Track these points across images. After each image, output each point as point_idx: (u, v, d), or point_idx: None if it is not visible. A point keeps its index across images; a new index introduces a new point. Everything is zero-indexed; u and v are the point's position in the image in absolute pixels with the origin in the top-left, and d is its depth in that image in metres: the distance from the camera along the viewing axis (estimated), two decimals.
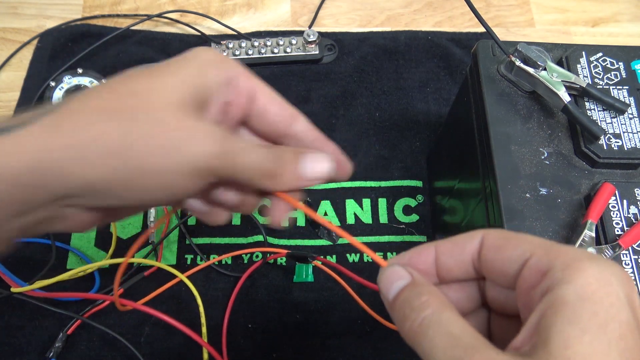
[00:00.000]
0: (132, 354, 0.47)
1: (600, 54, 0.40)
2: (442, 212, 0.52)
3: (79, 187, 0.21)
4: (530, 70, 0.38)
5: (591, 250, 0.33)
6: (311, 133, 0.28)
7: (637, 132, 0.37)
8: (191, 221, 0.54)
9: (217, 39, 0.62)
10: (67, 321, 0.47)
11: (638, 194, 0.35)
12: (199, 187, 0.23)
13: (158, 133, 0.22)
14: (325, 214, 0.55)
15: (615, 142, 0.37)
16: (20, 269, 0.47)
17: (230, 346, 0.47)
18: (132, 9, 0.66)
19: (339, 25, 0.67)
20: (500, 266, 0.22)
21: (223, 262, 0.52)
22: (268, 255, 0.51)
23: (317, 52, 0.62)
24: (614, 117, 0.38)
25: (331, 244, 0.53)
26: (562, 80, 0.37)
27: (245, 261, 0.52)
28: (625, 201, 0.35)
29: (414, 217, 0.55)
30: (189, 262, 0.52)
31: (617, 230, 0.34)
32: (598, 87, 0.38)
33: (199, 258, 0.52)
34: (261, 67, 0.62)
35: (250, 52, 0.61)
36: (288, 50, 0.62)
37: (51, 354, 0.46)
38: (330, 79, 0.62)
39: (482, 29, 0.45)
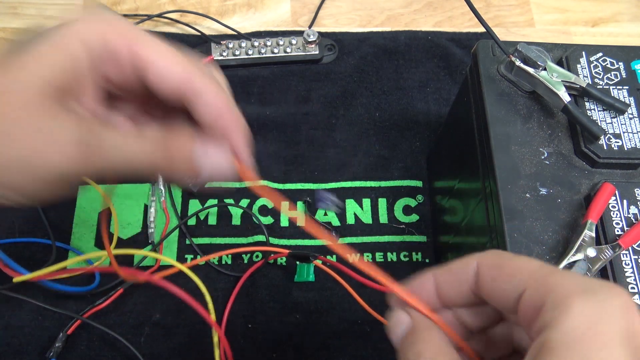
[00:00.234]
0: (132, 354, 0.47)
1: (600, 54, 0.40)
2: (442, 212, 0.52)
3: None
4: (530, 70, 0.38)
5: (591, 250, 0.33)
6: (210, 95, 0.24)
7: (637, 132, 0.37)
8: (191, 221, 0.54)
9: (217, 39, 0.62)
10: (67, 321, 0.47)
11: (638, 194, 0.35)
12: (73, 188, 0.23)
13: (10, 145, 0.20)
14: (325, 214, 0.55)
15: (615, 142, 0.37)
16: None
17: (230, 346, 0.47)
18: (132, 9, 0.66)
19: (339, 25, 0.67)
20: (499, 298, 0.21)
21: (223, 262, 0.52)
22: (269, 255, 0.51)
23: (317, 52, 0.62)
24: (614, 117, 0.38)
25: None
26: (562, 80, 0.37)
27: (246, 261, 0.52)
28: (625, 201, 0.35)
29: (414, 217, 0.55)
30: (189, 262, 0.52)
31: (617, 230, 0.34)
32: (598, 87, 0.38)
33: (199, 258, 0.52)
34: (261, 67, 0.62)
35: (250, 52, 0.61)
36: (288, 50, 0.62)
37: (51, 354, 0.46)
38: (330, 79, 0.62)
39: (482, 29, 0.45)
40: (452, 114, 0.50)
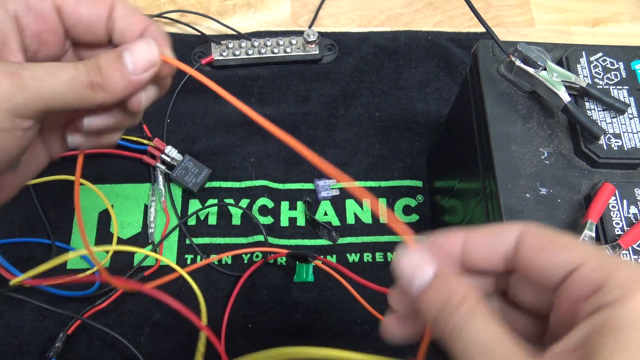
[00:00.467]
0: (132, 354, 0.47)
1: (600, 54, 0.40)
2: (442, 212, 0.52)
3: None
4: (530, 70, 0.38)
5: None
6: (133, 17, 0.27)
7: (637, 132, 0.37)
8: (191, 221, 0.54)
9: (217, 39, 0.62)
10: (67, 321, 0.47)
11: (638, 194, 0.35)
12: (19, 130, 0.23)
13: None
14: (325, 214, 0.55)
15: (615, 142, 0.37)
16: (19, 270, 0.47)
17: (230, 346, 0.47)
18: None
19: (339, 25, 0.67)
20: (542, 268, 0.20)
21: (223, 262, 0.52)
22: (268, 255, 0.51)
23: (317, 52, 0.62)
24: (614, 117, 0.38)
25: (331, 243, 0.53)
26: (562, 80, 0.37)
27: (245, 261, 0.52)
28: (625, 201, 0.35)
29: (414, 217, 0.55)
30: (189, 262, 0.52)
31: (617, 230, 0.34)
32: (598, 87, 0.39)
33: (199, 258, 0.52)
34: (261, 67, 0.62)
35: (250, 52, 0.61)
36: (288, 50, 0.62)
37: (51, 354, 0.46)
38: (330, 79, 0.62)
39: (482, 29, 0.45)
40: (452, 114, 0.50)
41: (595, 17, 0.69)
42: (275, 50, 0.62)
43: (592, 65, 0.40)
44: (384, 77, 0.62)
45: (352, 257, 0.53)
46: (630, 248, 0.33)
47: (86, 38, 0.27)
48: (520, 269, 0.21)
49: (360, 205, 0.55)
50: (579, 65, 0.39)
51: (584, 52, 0.40)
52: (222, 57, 0.61)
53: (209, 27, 0.65)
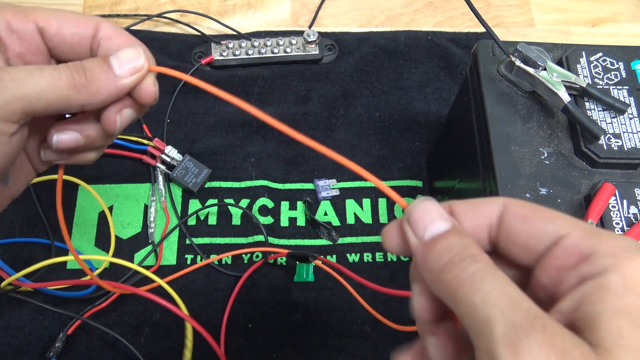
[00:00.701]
0: (132, 354, 0.47)
1: (600, 54, 0.40)
2: None
3: None
4: (530, 70, 0.38)
5: None
6: (120, 38, 0.26)
7: (637, 132, 0.37)
8: (191, 221, 0.54)
9: (217, 39, 0.62)
10: (67, 321, 0.47)
11: (638, 194, 0.35)
12: (4, 135, 0.23)
13: None
14: (325, 214, 0.55)
15: (615, 142, 0.37)
16: (19, 270, 0.47)
17: (230, 346, 0.47)
18: (132, 9, 0.66)
19: (339, 25, 0.67)
20: (526, 238, 0.20)
21: (223, 262, 0.52)
22: (268, 255, 0.51)
23: (317, 52, 0.62)
24: (614, 117, 0.38)
25: (331, 243, 0.53)
26: (562, 80, 0.37)
27: (245, 261, 0.52)
28: (625, 201, 0.35)
29: None
30: (189, 262, 0.52)
31: (617, 230, 0.34)
32: (598, 87, 0.39)
33: (199, 258, 0.52)
34: (261, 67, 0.62)
35: (250, 52, 0.61)
36: (288, 50, 0.62)
37: (51, 354, 0.46)
38: (330, 79, 0.62)
39: (482, 29, 0.45)
40: (452, 114, 0.50)
41: (595, 17, 0.69)
42: (275, 50, 0.62)
43: (592, 65, 0.40)
44: (384, 77, 0.62)
45: (352, 257, 0.53)
46: None
47: (71, 58, 0.27)
48: (503, 240, 0.21)
49: (361, 206, 0.55)
50: (579, 65, 0.39)
51: (584, 52, 0.40)
52: (222, 57, 0.61)
53: (209, 27, 0.65)
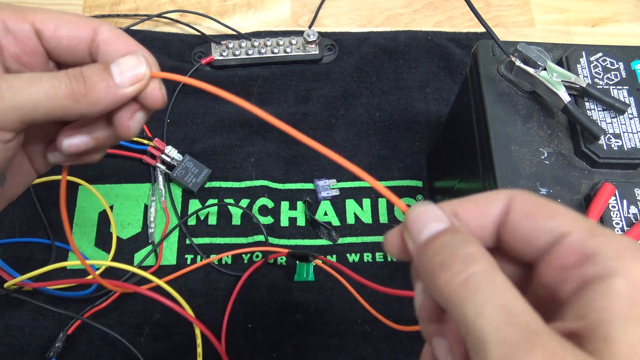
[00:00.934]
0: (132, 354, 0.47)
1: (600, 54, 0.40)
2: None
3: None
4: (530, 70, 0.38)
5: None
6: (120, 43, 0.26)
7: (637, 132, 0.37)
8: (191, 221, 0.54)
9: (217, 39, 0.62)
10: (67, 321, 0.47)
11: (638, 194, 0.35)
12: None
13: None
14: (325, 214, 0.55)
15: (615, 142, 0.37)
16: (19, 270, 0.47)
17: (230, 346, 0.47)
18: (132, 9, 0.66)
19: (339, 25, 0.67)
20: (528, 234, 0.19)
21: (223, 262, 0.52)
22: (269, 255, 0.51)
23: (317, 52, 0.62)
24: (614, 117, 0.38)
25: (331, 243, 0.53)
26: (562, 80, 0.37)
27: (245, 261, 0.52)
28: (625, 201, 0.35)
29: None
30: (189, 262, 0.52)
31: (617, 230, 0.34)
32: (598, 87, 0.39)
33: (199, 258, 0.52)
34: (261, 67, 0.62)
35: (250, 52, 0.61)
36: (288, 50, 0.62)
37: (51, 354, 0.46)
38: (330, 79, 0.62)
39: (482, 29, 0.45)
40: (452, 114, 0.50)
41: (595, 17, 0.69)
42: (275, 50, 0.62)
43: (592, 65, 0.40)
44: (384, 77, 0.62)
45: (352, 257, 0.53)
46: None
47: (69, 60, 0.26)
48: (507, 235, 0.20)
49: (361, 206, 0.55)
50: (579, 65, 0.39)
51: (584, 52, 0.40)
52: (222, 57, 0.61)
53: (209, 27, 0.65)
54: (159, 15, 0.65)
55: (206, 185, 0.55)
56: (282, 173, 0.56)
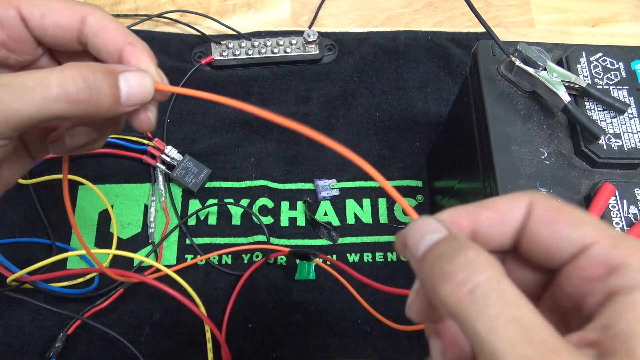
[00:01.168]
0: (132, 354, 0.47)
1: (600, 54, 0.40)
2: None
3: None
4: (530, 70, 0.38)
5: None
6: (109, 34, 0.24)
7: (637, 132, 0.37)
8: (191, 221, 0.54)
9: (217, 39, 0.62)
10: (67, 321, 0.47)
11: (638, 194, 0.35)
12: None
13: None
14: (325, 214, 0.55)
15: (615, 142, 0.37)
16: (20, 269, 0.47)
17: (230, 346, 0.47)
18: (132, 9, 0.66)
19: (339, 25, 0.67)
20: (549, 244, 0.18)
21: (223, 262, 0.52)
22: (269, 254, 0.51)
23: (317, 52, 0.62)
24: (614, 117, 0.38)
25: (331, 243, 0.53)
26: (562, 80, 0.37)
27: (246, 261, 0.52)
28: (625, 201, 0.35)
29: None
30: (189, 261, 0.52)
31: (617, 230, 0.34)
32: (598, 87, 0.39)
33: (199, 257, 0.52)
34: (261, 67, 0.62)
35: (250, 52, 0.61)
36: (288, 50, 0.62)
37: (51, 354, 0.46)
38: (330, 79, 0.62)
39: (482, 29, 0.45)
40: (452, 114, 0.50)
41: (595, 17, 0.69)
42: (275, 50, 0.62)
43: (592, 65, 0.40)
44: (384, 77, 0.62)
45: (352, 257, 0.53)
46: None
47: (58, 47, 0.25)
48: (526, 242, 0.19)
49: (361, 206, 0.55)
50: (579, 65, 0.39)
51: (584, 52, 0.40)
52: (222, 57, 0.61)
53: (209, 27, 0.65)
54: (159, 15, 0.65)
55: (206, 185, 0.55)
56: (282, 173, 0.56)
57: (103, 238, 0.52)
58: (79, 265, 0.51)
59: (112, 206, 0.53)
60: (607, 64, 0.40)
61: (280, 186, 0.56)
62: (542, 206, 0.19)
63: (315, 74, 0.62)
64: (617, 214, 0.35)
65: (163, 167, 0.54)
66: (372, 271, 0.52)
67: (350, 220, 0.55)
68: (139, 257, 0.47)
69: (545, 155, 0.37)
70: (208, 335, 0.47)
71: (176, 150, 0.55)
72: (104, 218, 0.53)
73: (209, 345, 0.46)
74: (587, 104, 0.38)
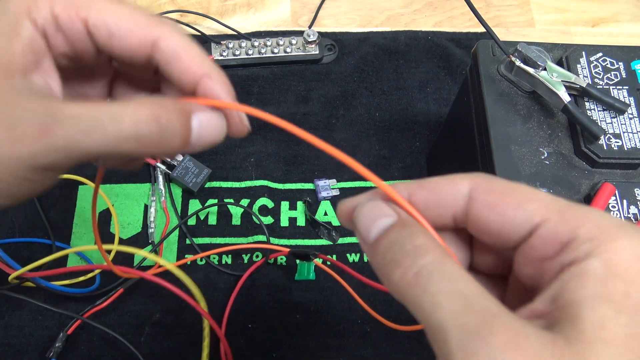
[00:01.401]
0: (132, 354, 0.47)
1: (600, 54, 0.40)
2: None
3: None
4: (530, 70, 0.38)
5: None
6: (182, 63, 0.22)
7: (637, 132, 0.37)
8: (191, 221, 0.54)
9: (217, 39, 0.62)
10: (67, 321, 0.47)
11: (638, 194, 0.35)
12: (47, 181, 0.20)
13: None
14: (325, 214, 0.55)
15: (615, 142, 0.37)
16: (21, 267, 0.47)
17: (230, 346, 0.47)
18: None
19: (339, 25, 0.67)
20: (497, 229, 0.18)
21: (223, 262, 0.52)
22: (269, 254, 0.51)
23: (317, 52, 0.62)
24: (614, 117, 0.38)
25: (331, 243, 0.53)
26: (562, 80, 0.37)
27: (246, 261, 0.52)
28: (625, 201, 0.35)
29: None
30: (189, 262, 0.52)
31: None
32: (598, 87, 0.39)
33: (199, 258, 0.52)
34: (261, 67, 0.62)
35: (250, 52, 0.61)
36: (288, 50, 0.62)
37: (51, 354, 0.46)
38: (330, 79, 0.62)
39: (482, 29, 0.45)
40: (452, 114, 0.50)
41: (595, 17, 0.69)
42: (275, 50, 0.62)
43: (592, 65, 0.40)
44: (384, 77, 0.62)
45: (352, 257, 0.53)
46: None
47: (125, 62, 0.23)
48: (475, 228, 0.19)
49: None
50: (579, 65, 0.39)
51: (584, 52, 0.40)
52: (222, 57, 0.61)
53: (209, 27, 0.65)
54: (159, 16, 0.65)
55: (206, 185, 0.55)
56: (282, 173, 0.56)
57: (103, 238, 0.52)
58: (79, 264, 0.51)
59: (112, 205, 0.53)
60: (607, 64, 0.40)
61: (280, 186, 0.56)
62: (484, 190, 0.18)
63: (315, 74, 0.62)
64: (617, 214, 0.35)
65: (163, 167, 0.54)
66: (372, 271, 0.51)
67: None
68: (142, 252, 0.47)
69: (545, 155, 0.37)
70: (206, 331, 0.46)
71: None
72: (104, 218, 0.53)
73: (206, 341, 0.46)
74: (587, 104, 0.38)
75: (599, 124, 0.37)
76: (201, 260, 0.51)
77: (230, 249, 0.51)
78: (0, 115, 0.19)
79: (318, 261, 0.50)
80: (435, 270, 0.16)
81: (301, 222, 0.54)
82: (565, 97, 0.36)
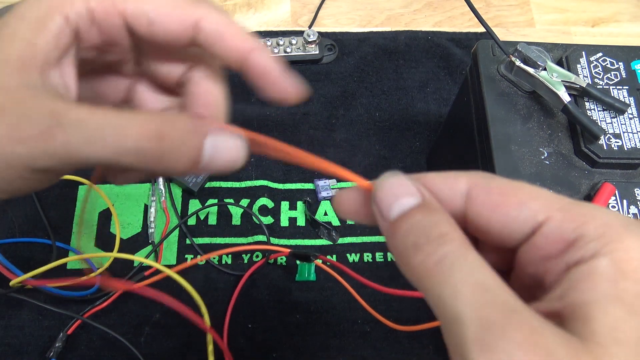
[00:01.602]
0: (132, 354, 0.47)
1: (600, 54, 0.40)
2: None
3: None
4: (530, 70, 0.38)
5: None
6: (225, 42, 0.21)
7: (637, 132, 0.37)
8: (191, 221, 0.54)
9: None
10: (67, 321, 0.47)
11: (638, 194, 0.35)
12: (46, 181, 0.20)
13: None
14: (325, 214, 0.55)
15: (615, 142, 0.37)
16: (20, 270, 0.47)
17: (230, 346, 0.47)
18: None
19: (339, 25, 0.67)
20: (499, 228, 0.18)
21: (223, 262, 0.52)
22: (269, 254, 0.51)
23: (317, 52, 0.62)
24: (614, 117, 0.38)
25: (331, 243, 0.53)
26: (562, 80, 0.37)
27: (246, 261, 0.52)
28: (625, 201, 0.35)
29: None
30: (189, 261, 0.52)
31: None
32: (598, 87, 0.38)
33: (199, 257, 0.52)
34: None
35: None
36: (288, 50, 0.62)
37: (51, 354, 0.46)
38: (330, 79, 0.62)
39: (482, 29, 0.45)
40: (452, 114, 0.50)
41: (595, 17, 0.69)
42: (275, 50, 0.62)
43: (592, 65, 0.40)
44: (384, 77, 0.62)
45: (352, 257, 0.53)
46: None
47: (164, 53, 0.23)
48: (475, 228, 0.18)
49: None
50: (579, 65, 0.39)
51: (584, 52, 0.40)
52: None
53: None
54: None
55: (206, 185, 0.55)
56: (282, 173, 0.56)
57: (103, 238, 0.52)
58: (79, 265, 0.51)
59: (112, 205, 0.53)
60: (607, 64, 0.40)
61: (280, 186, 0.56)
62: (483, 189, 0.18)
63: (315, 74, 0.62)
64: None
65: None
66: (372, 271, 0.52)
67: (351, 220, 0.55)
68: (139, 258, 0.47)
69: (545, 155, 0.37)
70: (210, 348, 0.46)
71: None
72: (104, 218, 0.53)
73: (210, 347, 0.46)
74: (587, 104, 0.38)
75: (599, 124, 0.37)
76: (201, 260, 0.51)
77: (230, 250, 0.51)
78: (6, 111, 0.19)
79: (318, 261, 0.50)
80: (458, 260, 0.16)
81: (301, 222, 0.54)
82: (565, 97, 0.36)
